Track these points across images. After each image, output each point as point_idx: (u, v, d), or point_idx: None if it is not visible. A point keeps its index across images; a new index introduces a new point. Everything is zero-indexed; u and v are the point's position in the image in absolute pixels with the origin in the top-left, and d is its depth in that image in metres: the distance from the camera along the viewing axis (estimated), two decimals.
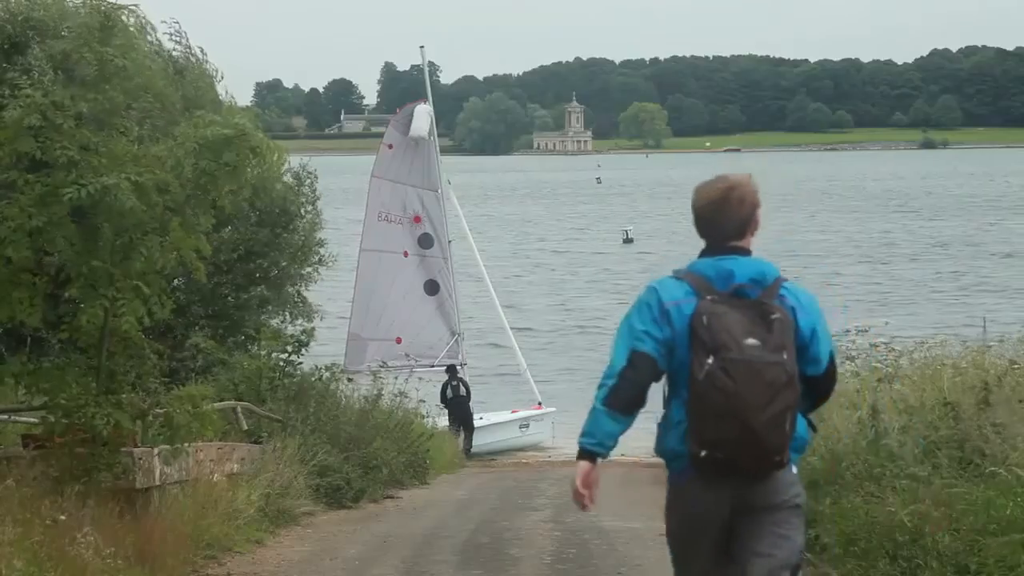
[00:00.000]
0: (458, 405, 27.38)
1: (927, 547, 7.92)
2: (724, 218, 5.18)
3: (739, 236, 5.20)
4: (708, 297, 5.06)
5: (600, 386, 5.14)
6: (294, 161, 21.85)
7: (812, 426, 5.28)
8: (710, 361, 4.94)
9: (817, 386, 5.21)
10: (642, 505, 14.18)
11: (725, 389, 4.91)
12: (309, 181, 21.01)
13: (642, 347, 5.07)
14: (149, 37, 16.30)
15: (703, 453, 4.99)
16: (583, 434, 5.16)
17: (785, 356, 4.96)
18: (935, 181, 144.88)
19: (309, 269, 20.97)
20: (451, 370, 27.97)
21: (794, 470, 5.17)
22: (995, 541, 7.52)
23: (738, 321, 4.99)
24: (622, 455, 17.13)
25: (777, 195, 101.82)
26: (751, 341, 4.95)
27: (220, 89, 19.71)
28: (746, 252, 5.20)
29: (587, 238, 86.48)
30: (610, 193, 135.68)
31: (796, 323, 5.08)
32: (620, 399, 5.09)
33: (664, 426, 5.19)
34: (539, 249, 79.82)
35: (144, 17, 10.74)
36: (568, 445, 25.14)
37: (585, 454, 5.15)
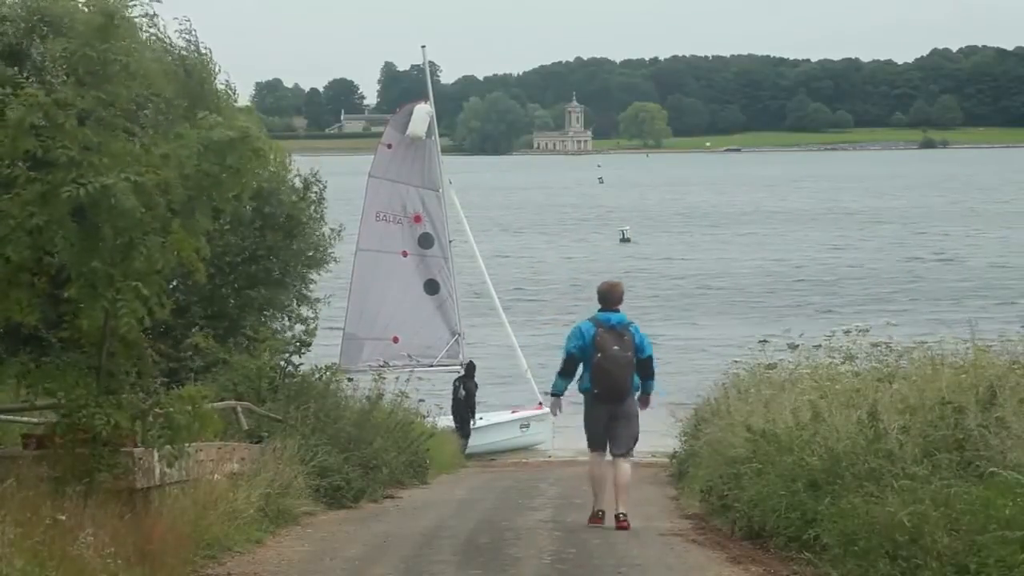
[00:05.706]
0: (457, 405, 27.36)
1: (927, 547, 7.93)
2: (611, 296, 12.70)
3: (616, 304, 12.66)
4: (600, 328, 12.43)
5: (560, 367, 12.76)
6: (299, 162, 21.67)
7: (643, 381, 12.64)
8: (599, 355, 12.35)
9: (645, 365, 12.60)
10: (642, 505, 14.19)
11: (604, 367, 12.35)
12: (317, 189, 20.85)
13: (573, 350, 12.54)
14: (152, 31, 16.16)
15: (596, 391, 12.45)
16: (552, 387, 12.95)
17: (629, 354, 12.41)
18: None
19: (313, 271, 20.83)
20: (469, 368, 27.84)
21: (635, 399, 12.64)
22: (994, 541, 7.52)
23: (611, 339, 12.39)
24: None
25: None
26: (616, 347, 12.37)
27: (219, 84, 19.55)
28: (617, 310, 12.62)
29: (586, 238, 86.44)
30: (612, 192, 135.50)
31: (634, 340, 12.49)
32: (565, 372, 12.69)
33: (582, 379, 12.56)
34: (537, 250, 79.81)
35: (152, 12, 10.69)
36: (568, 445, 25.17)
37: (553, 395, 13.02)
